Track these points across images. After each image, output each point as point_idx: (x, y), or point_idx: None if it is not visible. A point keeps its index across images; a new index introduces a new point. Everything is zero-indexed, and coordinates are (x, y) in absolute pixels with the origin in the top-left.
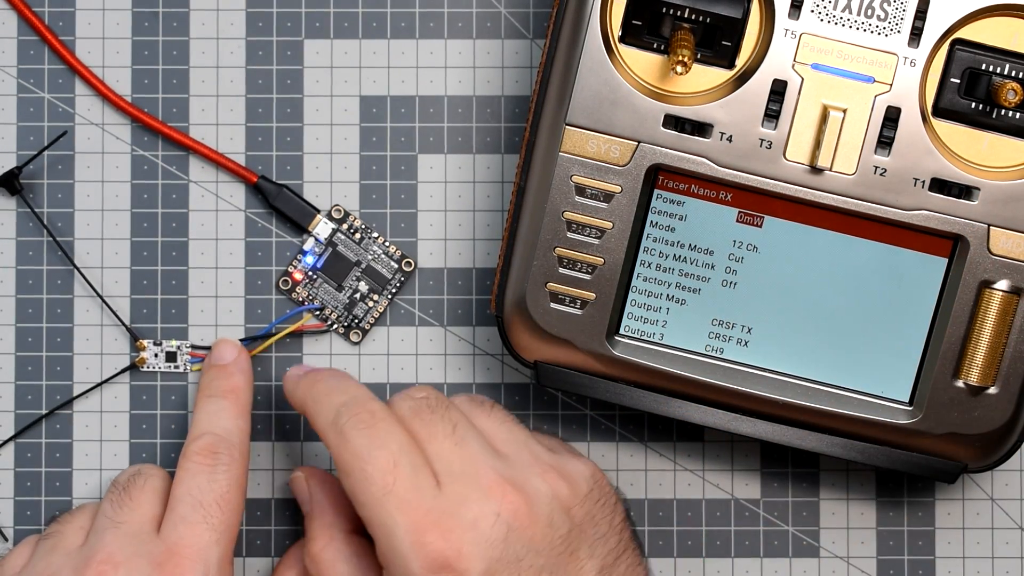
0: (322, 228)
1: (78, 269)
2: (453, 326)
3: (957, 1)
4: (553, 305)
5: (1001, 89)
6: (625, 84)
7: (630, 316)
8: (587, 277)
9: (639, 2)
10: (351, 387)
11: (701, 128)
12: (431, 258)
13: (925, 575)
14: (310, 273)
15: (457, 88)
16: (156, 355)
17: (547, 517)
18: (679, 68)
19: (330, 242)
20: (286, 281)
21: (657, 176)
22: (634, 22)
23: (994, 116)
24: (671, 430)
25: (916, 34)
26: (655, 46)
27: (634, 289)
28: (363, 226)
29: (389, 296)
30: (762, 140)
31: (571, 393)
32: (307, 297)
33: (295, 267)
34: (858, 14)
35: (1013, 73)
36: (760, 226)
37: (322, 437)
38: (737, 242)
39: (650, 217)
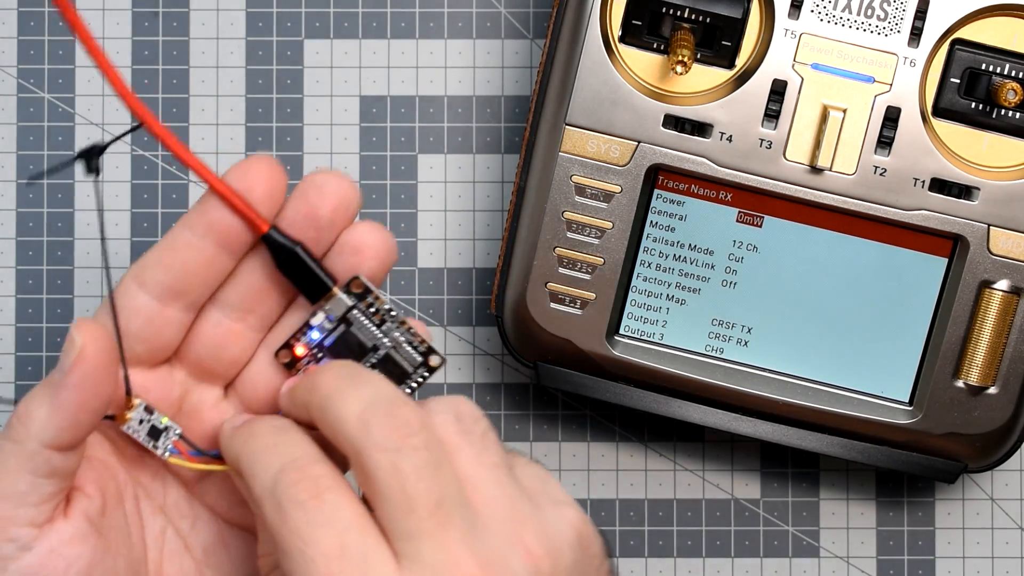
0: None
1: (107, 271)
2: (453, 326)
3: (957, 1)
4: (553, 305)
5: (1001, 89)
6: (625, 84)
7: (630, 316)
8: (587, 277)
9: (639, 2)
10: (294, 444)
11: (701, 128)
12: (431, 258)
13: (925, 575)
14: None
15: (457, 88)
16: None
17: None
18: (679, 68)
19: None
20: None
21: (657, 176)
22: (634, 22)
23: (994, 116)
24: (671, 430)
25: (916, 34)
26: (655, 46)
27: (634, 289)
28: None
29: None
30: (762, 140)
31: (571, 393)
32: None
33: None
34: (858, 14)
35: (1013, 73)
36: (760, 226)
37: (258, 507)
38: (737, 242)
39: (650, 217)
